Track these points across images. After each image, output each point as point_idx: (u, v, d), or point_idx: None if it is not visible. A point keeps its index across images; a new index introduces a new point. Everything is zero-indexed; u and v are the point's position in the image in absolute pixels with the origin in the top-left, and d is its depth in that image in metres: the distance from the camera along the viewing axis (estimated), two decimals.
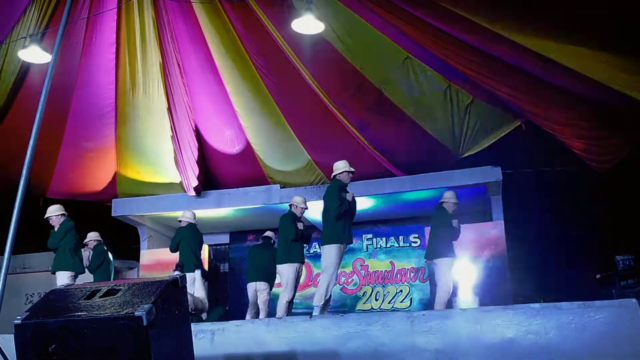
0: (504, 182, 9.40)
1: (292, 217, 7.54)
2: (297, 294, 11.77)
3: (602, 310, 4.80)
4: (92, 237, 8.62)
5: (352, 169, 6.91)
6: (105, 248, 8.60)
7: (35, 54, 7.74)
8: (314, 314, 6.49)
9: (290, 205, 7.75)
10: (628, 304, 4.83)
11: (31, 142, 5.26)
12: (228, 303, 12.18)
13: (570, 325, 4.79)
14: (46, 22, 8.09)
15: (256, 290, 8.38)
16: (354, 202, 6.85)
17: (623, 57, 6.14)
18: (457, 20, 6.60)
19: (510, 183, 9.77)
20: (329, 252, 6.65)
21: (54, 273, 7.90)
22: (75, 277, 7.79)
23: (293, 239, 7.31)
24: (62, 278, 7.64)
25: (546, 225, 12.21)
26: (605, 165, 7.93)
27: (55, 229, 7.91)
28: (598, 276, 10.74)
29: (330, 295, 6.73)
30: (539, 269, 12.00)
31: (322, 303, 6.62)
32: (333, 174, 6.96)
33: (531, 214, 11.99)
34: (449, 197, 7.63)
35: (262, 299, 8.30)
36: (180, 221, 8.48)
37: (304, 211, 7.73)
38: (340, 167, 6.91)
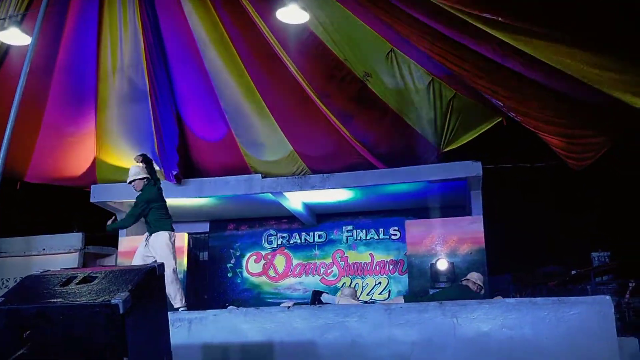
0: (484, 176, 9.46)
1: None
2: (275, 284, 11.92)
3: (577, 306, 4.88)
4: None
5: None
6: None
7: (14, 36, 7.61)
8: None
9: None
10: (602, 301, 4.92)
11: (9, 125, 5.20)
12: (207, 292, 12.14)
13: (545, 321, 4.86)
14: (26, 3, 7.94)
15: None
16: None
17: (603, 55, 6.18)
18: (441, 14, 6.60)
19: (490, 178, 9.84)
20: None
21: None
22: None
23: None
24: None
25: (524, 221, 12.37)
26: (583, 163, 8.00)
27: None
28: (573, 272, 10.91)
29: None
30: (516, 263, 12.16)
31: None
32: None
33: (510, 209, 12.13)
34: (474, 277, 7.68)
35: None
36: None
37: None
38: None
